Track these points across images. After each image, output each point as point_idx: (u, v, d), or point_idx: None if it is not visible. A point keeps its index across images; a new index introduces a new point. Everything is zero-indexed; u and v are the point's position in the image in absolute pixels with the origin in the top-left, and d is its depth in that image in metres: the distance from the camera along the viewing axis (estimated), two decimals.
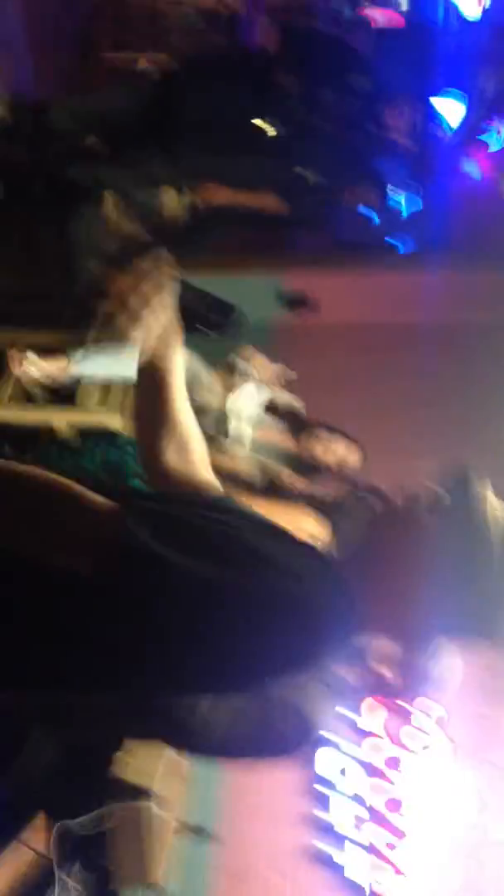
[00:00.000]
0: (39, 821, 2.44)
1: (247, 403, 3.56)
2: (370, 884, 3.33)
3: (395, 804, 3.49)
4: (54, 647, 1.30)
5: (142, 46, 5.05)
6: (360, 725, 3.66)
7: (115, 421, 3.39)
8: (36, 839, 2.44)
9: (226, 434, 3.39)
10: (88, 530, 1.30)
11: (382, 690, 1.53)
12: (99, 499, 1.32)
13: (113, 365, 3.37)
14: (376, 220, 4.91)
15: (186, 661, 1.28)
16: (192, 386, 3.47)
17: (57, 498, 1.32)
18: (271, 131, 3.78)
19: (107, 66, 5.11)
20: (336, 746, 3.60)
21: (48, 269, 3.90)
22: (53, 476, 1.33)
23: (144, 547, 1.27)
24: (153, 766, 2.88)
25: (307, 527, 3.12)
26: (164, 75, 4.04)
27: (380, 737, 3.63)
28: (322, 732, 3.60)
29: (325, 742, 3.60)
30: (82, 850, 2.57)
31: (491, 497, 1.44)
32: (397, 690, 1.57)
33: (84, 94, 4.07)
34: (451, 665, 1.50)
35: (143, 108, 3.93)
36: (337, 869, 3.38)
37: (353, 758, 3.59)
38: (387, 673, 1.51)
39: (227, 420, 3.44)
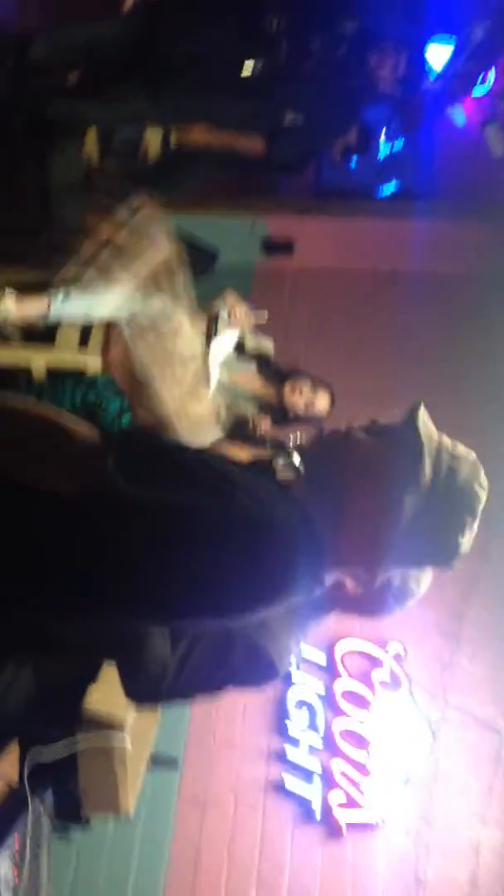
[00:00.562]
0: (12, 751, 2.51)
1: (225, 348, 3.57)
2: (334, 815, 3.46)
3: (358, 739, 3.61)
4: (35, 569, 1.34)
5: None
6: (324, 663, 3.77)
7: (96, 362, 3.40)
8: (9, 769, 2.51)
9: (207, 381, 3.41)
10: (75, 456, 1.38)
11: (344, 604, 1.55)
12: (84, 429, 1.41)
13: (94, 306, 3.36)
14: (359, 165, 4.90)
15: (162, 585, 1.33)
16: (172, 338, 3.50)
17: (48, 426, 1.41)
18: (257, 72, 3.73)
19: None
20: (302, 685, 3.71)
21: (29, 205, 3.86)
22: (45, 407, 1.43)
23: (123, 476, 1.34)
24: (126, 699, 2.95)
25: None
26: (150, 11, 3.95)
27: (343, 677, 3.73)
28: (290, 670, 3.71)
29: (292, 682, 3.71)
30: (54, 779, 2.65)
31: (430, 426, 1.48)
32: (359, 604, 1.59)
33: (67, 27, 3.97)
34: (416, 577, 1.53)
35: (128, 45, 3.85)
36: (303, 803, 3.51)
37: (319, 696, 3.70)
38: (348, 584, 1.54)
39: (207, 366, 3.46)
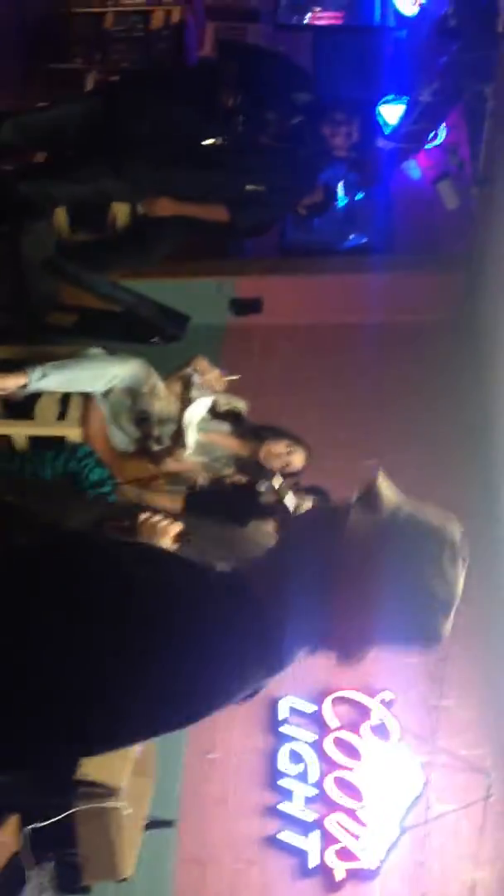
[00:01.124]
0: (12, 822, 2.57)
1: (199, 412, 3.68)
2: (332, 866, 3.51)
3: (351, 789, 3.67)
4: None
5: (89, 58, 5.14)
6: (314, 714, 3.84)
7: (75, 433, 3.49)
8: (9, 839, 2.56)
9: (183, 445, 3.52)
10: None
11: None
12: None
13: (71, 380, 3.47)
14: (321, 221, 5.07)
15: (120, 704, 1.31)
16: (151, 400, 3.62)
17: None
18: (216, 146, 3.89)
19: (54, 78, 5.19)
20: (295, 739, 3.78)
21: (2, 284, 3.97)
22: None
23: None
24: (121, 764, 3.01)
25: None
26: (109, 90, 4.13)
27: (333, 728, 3.80)
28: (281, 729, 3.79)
29: (285, 738, 3.78)
30: (54, 849, 2.71)
31: (392, 497, 1.45)
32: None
33: (31, 111, 4.14)
34: None
35: (90, 124, 4.01)
36: (300, 854, 3.56)
37: (310, 747, 3.76)
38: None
39: (184, 431, 3.56)
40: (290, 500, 2.43)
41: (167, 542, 2.15)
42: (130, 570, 1.38)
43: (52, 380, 3.41)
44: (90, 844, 2.80)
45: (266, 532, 2.51)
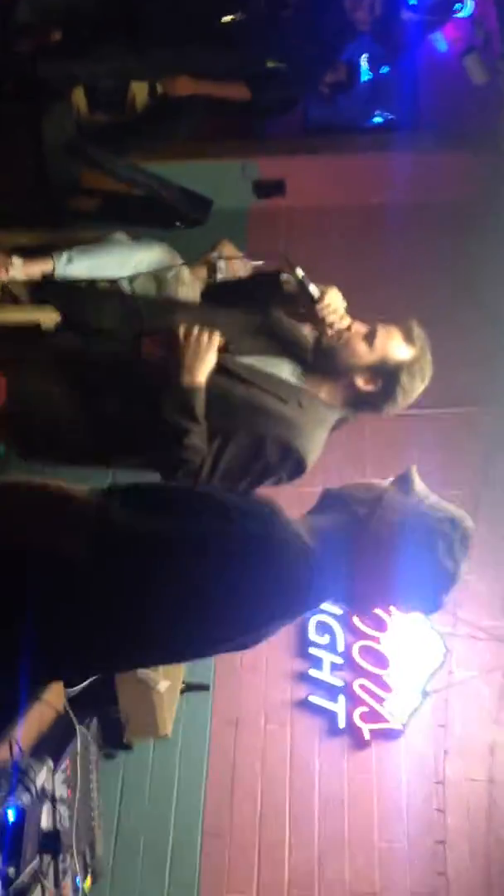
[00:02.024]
0: (58, 683, 2.74)
1: None
2: (357, 724, 3.71)
3: (377, 657, 3.84)
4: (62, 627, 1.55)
5: None
6: None
7: None
8: (55, 699, 2.74)
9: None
10: (76, 519, 1.59)
11: None
12: (81, 492, 1.65)
13: (97, 265, 3.50)
14: (345, 98, 4.96)
15: (186, 619, 1.56)
16: (176, 285, 3.63)
17: (48, 494, 1.64)
18: (236, 23, 3.81)
19: None
20: (323, 612, 3.93)
21: (24, 168, 3.96)
22: (49, 484, 1.64)
23: (124, 529, 1.58)
24: None
25: None
26: None
27: None
28: None
29: (315, 610, 3.93)
30: (97, 708, 2.89)
31: (422, 487, 1.75)
32: None
33: None
34: None
35: (110, 1, 3.92)
36: (329, 716, 3.76)
37: (337, 619, 3.92)
38: None
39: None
40: (314, 289, 2.48)
41: (212, 354, 2.31)
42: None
43: (77, 265, 3.43)
44: (130, 704, 2.98)
45: (294, 323, 2.56)
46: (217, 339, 2.38)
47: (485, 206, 4.92)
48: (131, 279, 3.64)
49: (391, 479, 1.77)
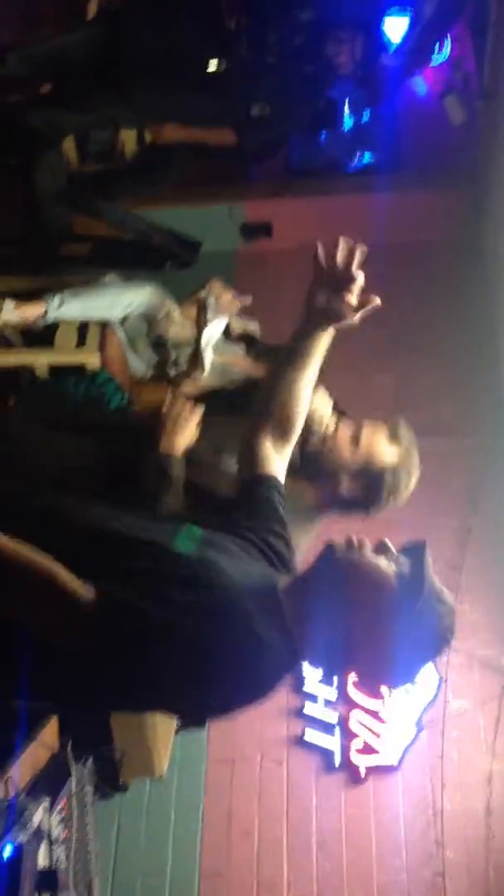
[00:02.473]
0: (53, 721, 2.75)
1: (216, 333, 3.77)
2: (353, 760, 3.71)
3: (372, 691, 3.85)
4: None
5: None
6: None
7: (94, 360, 3.60)
8: (50, 739, 2.74)
9: (201, 367, 3.59)
10: (73, 616, 1.47)
11: None
12: (75, 583, 1.48)
13: (89, 307, 3.57)
14: (327, 141, 5.07)
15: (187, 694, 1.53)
16: (167, 325, 3.70)
17: (40, 585, 1.48)
18: (221, 69, 3.91)
19: (56, 9, 5.17)
20: None
21: (17, 216, 4.04)
22: (34, 560, 1.48)
23: (127, 620, 1.47)
24: None
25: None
26: (112, 17, 4.12)
27: None
28: None
29: None
30: (92, 746, 2.89)
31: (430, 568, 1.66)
32: None
33: (38, 41, 4.15)
34: None
35: (95, 52, 4.02)
36: (325, 753, 3.76)
37: None
38: None
39: (201, 353, 3.65)
40: None
41: (191, 429, 2.32)
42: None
43: (69, 307, 3.52)
44: (126, 741, 2.99)
45: None
46: (199, 413, 2.41)
47: (465, 242, 5.04)
48: (122, 320, 3.73)
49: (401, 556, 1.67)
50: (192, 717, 1.79)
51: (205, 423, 2.45)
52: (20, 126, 3.99)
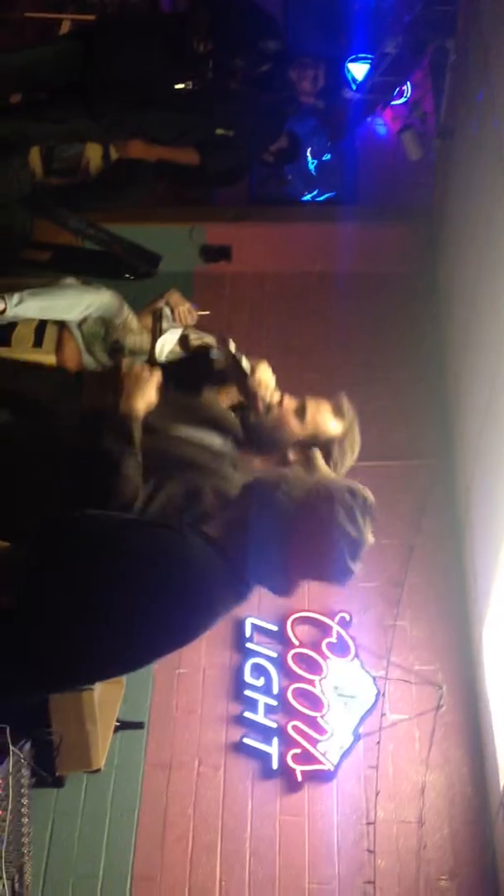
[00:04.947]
0: None
1: (171, 342, 3.84)
2: (290, 765, 3.73)
3: (311, 699, 3.89)
4: None
5: (63, 6, 5.24)
6: (278, 633, 4.06)
7: (50, 360, 3.64)
8: None
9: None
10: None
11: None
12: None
13: (47, 307, 3.63)
14: (288, 174, 5.23)
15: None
16: (124, 332, 3.76)
17: None
18: (187, 91, 4.03)
19: (30, 25, 5.30)
20: (259, 655, 3.99)
21: None
22: None
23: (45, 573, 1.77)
24: None
25: None
26: (85, 35, 4.24)
27: (296, 644, 4.02)
28: (247, 645, 4.00)
29: (251, 653, 4.00)
30: (31, 728, 2.89)
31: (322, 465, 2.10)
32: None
33: (9, 52, 4.24)
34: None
35: (65, 67, 4.12)
36: (263, 757, 3.79)
37: (272, 661, 3.98)
38: None
39: (155, 361, 3.71)
40: (246, 364, 2.56)
41: (152, 389, 2.31)
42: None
43: (28, 305, 3.57)
44: (64, 725, 2.99)
45: (221, 399, 2.64)
46: (157, 375, 2.39)
47: (419, 275, 5.20)
48: (80, 323, 3.79)
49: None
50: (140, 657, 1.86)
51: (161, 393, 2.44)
52: None
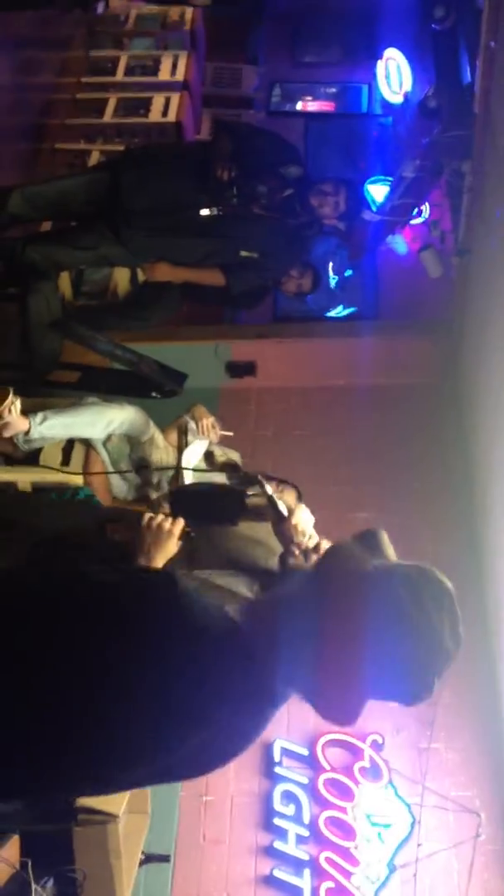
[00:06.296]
0: (14, 840, 2.66)
1: (196, 454, 3.87)
2: None
3: (344, 828, 3.74)
4: None
5: (93, 137, 5.49)
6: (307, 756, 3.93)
7: (77, 480, 3.66)
8: (11, 856, 2.65)
9: None
10: None
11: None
12: None
13: (70, 425, 3.67)
14: (310, 296, 5.34)
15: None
16: (149, 448, 3.80)
17: None
18: (212, 216, 4.17)
19: (61, 155, 5.55)
20: (288, 780, 3.86)
21: (12, 342, 4.19)
22: None
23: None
24: (119, 797, 3.10)
25: None
26: (113, 166, 4.41)
27: (327, 769, 3.89)
28: (275, 770, 3.87)
29: (279, 779, 3.86)
30: (54, 866, 2.79)
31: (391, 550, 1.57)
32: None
33: (41, 183, 4.42)
34: None
35: (94, 196, 4.29)
36: (295, 892, 3.62)
37: (303, 788, 3.84)
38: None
39: (181, 477, 3.73)
40: (283, 507, 2.50)
41: (173, 542, 2.21)
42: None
43: (52, 423, 3.62)
44: (87, 859, 2.88)
45: (260, 531, 2.58)
46: (179, 527, 2.27)
47: (443, 389, 5.23)
48: (105, 441, 3.83)
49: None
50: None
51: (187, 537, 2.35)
52: (19, 260, 4.20)
